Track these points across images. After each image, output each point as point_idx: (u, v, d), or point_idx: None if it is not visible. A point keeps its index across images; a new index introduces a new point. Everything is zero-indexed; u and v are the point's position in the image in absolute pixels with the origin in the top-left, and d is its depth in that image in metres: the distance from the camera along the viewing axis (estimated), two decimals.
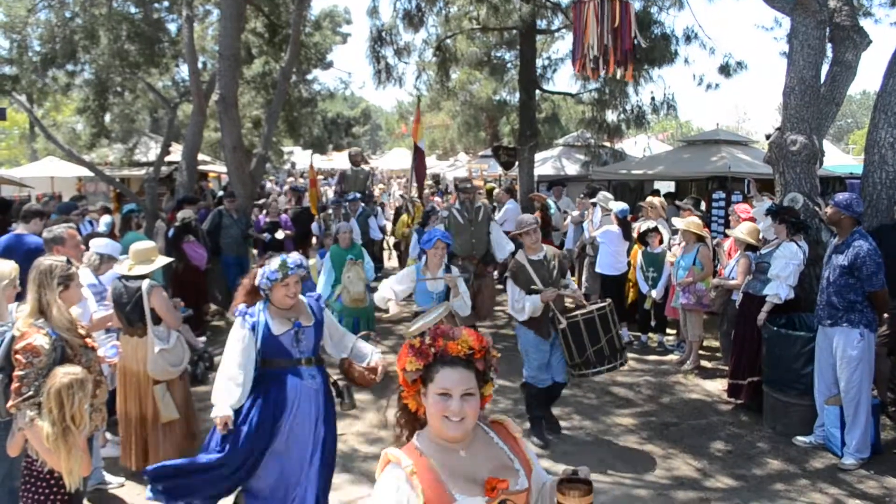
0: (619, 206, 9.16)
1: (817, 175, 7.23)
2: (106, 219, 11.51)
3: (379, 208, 14.02)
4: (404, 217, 12.86)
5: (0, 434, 3.77)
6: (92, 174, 14.12)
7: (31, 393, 3.44)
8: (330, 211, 12.29)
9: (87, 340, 3.94)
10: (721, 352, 8.02)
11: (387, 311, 7.28)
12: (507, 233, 8.63)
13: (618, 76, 9.08)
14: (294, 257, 4.13)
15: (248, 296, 4.20)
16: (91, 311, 5.21)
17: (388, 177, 31.44)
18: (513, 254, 9.57)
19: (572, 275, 9.44)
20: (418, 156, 11.12)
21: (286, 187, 21.07)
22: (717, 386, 7.44)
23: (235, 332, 4.08)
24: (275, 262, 4.06)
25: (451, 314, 5.75)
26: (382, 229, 14.05)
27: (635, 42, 6.81)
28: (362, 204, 12.78)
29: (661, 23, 13.28)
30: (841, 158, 19.29)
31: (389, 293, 6.09)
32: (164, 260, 5.43)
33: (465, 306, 6.03)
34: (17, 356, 3.52)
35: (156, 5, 14.76)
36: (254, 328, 4.05)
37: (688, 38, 13.25)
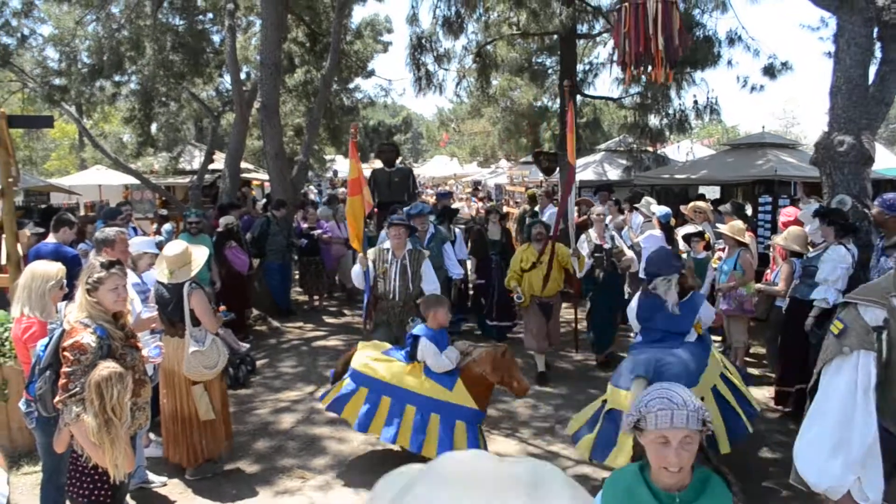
0: (662, 210, 9.02)
1: (869, 177, 7.03)
2: (167, 227, 11.77)
3: (458, 230, 9.63)
4: (555, 269, 7.67)
5: (47, 430, 3.85)
6: (138, 182, 14.45)
7: (77, 389, 3.51)
8: (386, 246, 6.60)
9: (133, 340, 4.01)
10: (767, 358, 7.83)
11: None
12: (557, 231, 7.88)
13: (643, 79, 8.86)
14: None
15: None
16: (137, 310, 5.30)
17: (426, 185, 31.56)
18: None
19: None
20: (569, 175, 8.12)
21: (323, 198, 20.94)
22: (765, 393, 7.25)
23: None
24: None
25: None
26: (463, 264, 9.14)
27: (678, 46, 6.67)
28: (432, 219, 8.54)
29: (704, 25, 13.11)
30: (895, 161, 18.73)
31: None
32: (200, 261, 5.29)
33: None
34: (65, 353, 3.59)
35: (199, 17, 15.07)
36: None
37: (731, 41, 13.02)
